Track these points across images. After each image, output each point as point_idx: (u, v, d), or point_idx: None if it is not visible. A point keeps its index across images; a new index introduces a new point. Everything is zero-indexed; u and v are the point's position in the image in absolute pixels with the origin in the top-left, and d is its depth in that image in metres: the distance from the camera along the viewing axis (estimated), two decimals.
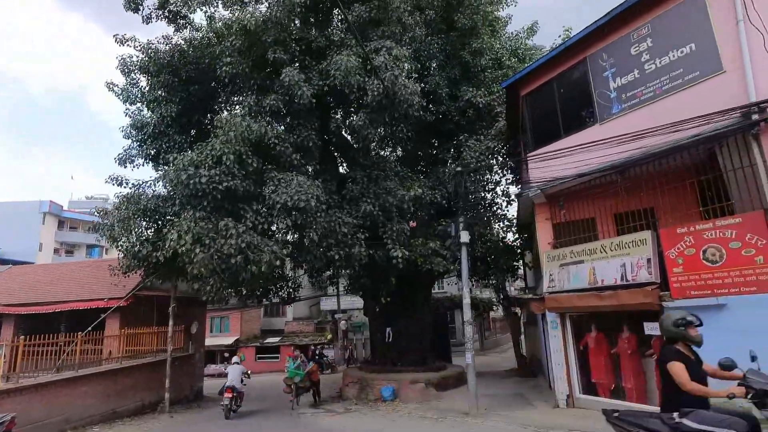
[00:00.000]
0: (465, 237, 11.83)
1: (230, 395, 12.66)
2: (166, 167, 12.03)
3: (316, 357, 26.94)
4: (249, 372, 14.53)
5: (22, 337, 10.54)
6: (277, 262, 9.92)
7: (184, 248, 9.80)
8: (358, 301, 36.09)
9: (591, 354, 10.55)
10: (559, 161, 10.93)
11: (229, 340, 31.91)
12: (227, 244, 10.00)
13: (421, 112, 13.36)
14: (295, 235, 12.22)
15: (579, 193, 11.17)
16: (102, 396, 12.51)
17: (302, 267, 13.27)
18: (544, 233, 12.06)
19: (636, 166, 9.47)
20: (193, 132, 14.95)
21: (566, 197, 11.56)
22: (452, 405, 12.76)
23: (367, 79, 11.69)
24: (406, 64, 12.42)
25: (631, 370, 9.62)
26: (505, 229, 18.04)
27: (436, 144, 17.86)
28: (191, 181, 10.30)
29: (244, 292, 14.04)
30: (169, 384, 14.49)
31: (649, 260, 8.96)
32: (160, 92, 14.40)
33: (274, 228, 12.36)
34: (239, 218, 10.85)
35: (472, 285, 38.34)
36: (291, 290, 19.02)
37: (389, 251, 12.33)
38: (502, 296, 22.65)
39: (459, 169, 12.55)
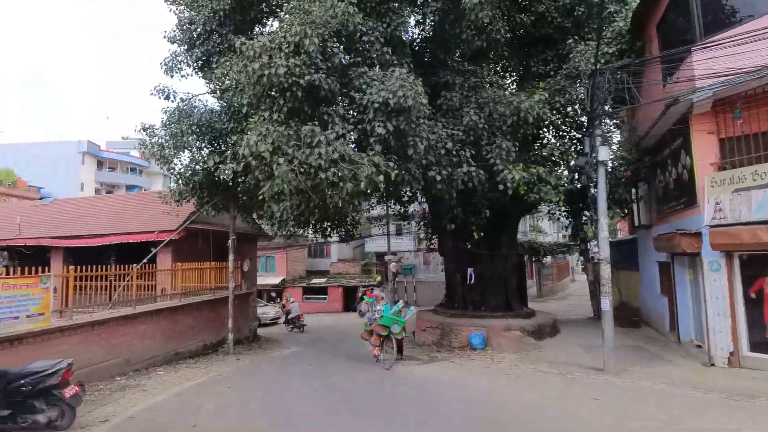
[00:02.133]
0: (604, 154, 9.23)
1: None
2: (222, 69, 9.69)
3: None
4: None
5: (71, 267, 8.84)
6: (380, 178, 7.64)
7: (265, 154, 7.56)
8: (404, 243, 34.46)
9: None
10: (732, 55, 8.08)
11: (275, 280, 30.91)
12: (314, 154, 7.74)
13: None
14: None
15: (762, 97, 8.41)
16: (162, 336, 11.04)
17: (389, 191, 10.89)
18: (704, 151, 9.35)
19: None
20: (253, 31, 12.40)
21: (745, 102, 8.77)
22: (557, 357, 10.85)
23: None
24: None
25: None
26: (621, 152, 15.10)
27: (531, 53, 14.77)
28: (265, 73, 7.91)
29: (314, 222, 12.03)
30: (232, 324, 13.02)
31: None
32: None
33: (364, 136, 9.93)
34: (323, 125, 8.53)
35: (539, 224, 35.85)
36: (350, 227, 17.11)
37: (499, 173, 9.89)
38: (579, 239, 20.22)
39: (594, 68, 9.67)
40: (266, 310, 23.88)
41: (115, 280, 10.76)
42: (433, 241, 19.05)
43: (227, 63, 9.03)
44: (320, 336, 18.75)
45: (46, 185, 44.13)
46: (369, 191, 8.35)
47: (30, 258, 17.29)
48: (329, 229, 15.25)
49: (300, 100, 8.35)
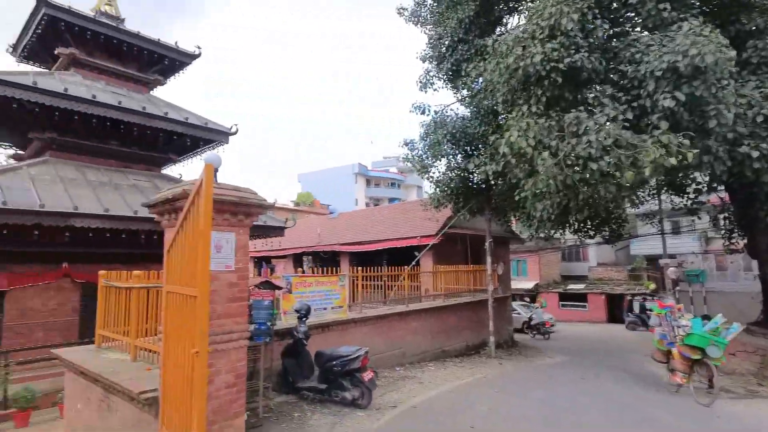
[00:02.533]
0: None
1: None
2: (476, 70, 9.75)
3: (647, 311, 21.76)
4: None
5: (358, 268, 10.38)
6: (671, 160, 6.20)
7: (527, 150, 7.18)
8: (684, 244, 28.28)
9: None
10: None
11: (528, 284, 29.89)
12: (581, 143, 6.89)
13: None
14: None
15: None
16: (430, 333, 11.83)
17: (674, 180, 8.89)
18: None
19: None
20: (498, 31, 12.31)
21: None
22: None
23: None
24: None
25: None
26: None
27: None
28: (520, 65, 7.53)
29: (577, 221, 10.88)
30: (493, 327, 12.98)
31: None
32: None
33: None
34: (589, 110, 7.55)
35: None
36: (617, 225, 14.86)
37: None
38: None
39: None
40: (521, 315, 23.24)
41: (387, 280, 12.19)
42: (734, 240, 14.87)
43: (480, 65, 9.06)
44: (580, 347, 17.03)
45: (332, 202, 54.94)
46: (654, 179, 6.90)
47: (326, 261, 21.61)
48: (592, 229, 13.65)
49: (559, 86, 7.62)
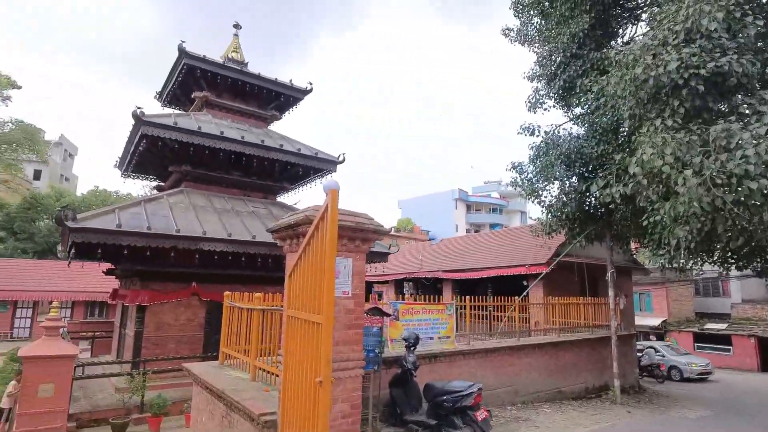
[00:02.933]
0: None
1: None
2: (597, 84, 9.01)
3: None
4: None
5: (467, 297, 9.92)
6: None
7: (664, 168, 6.32)
8: None
9: None
10: None
11: (653, 321, 26.51)
12: (734, 158, 5.87)
13: None
14: None
15: None
16: (545, 371, 10.83)
17: None
18: None
19: None
20: (614, 43, 11.40)
21: None
22: None
23: None
24: None
25: None
26: None
27: None
28: (651, 75, 6.74)
29: (723, 250, 9.31)
30: (617, 369, 11.53)
31: None
32: (563, 9, 11.64)
33: None
34: (741, 120, 6.48)
35: None
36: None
37: None
38: None
39: None
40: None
41: (493, 311, 11.48)
42: None
43: (602, 78, 8.32)
44: (726, 398, 14.43)
45: (431, 228, 54.77)
46: None
47: (427, 288, 21.30)
48: (741, 259, 11.65)
49: (701, 95, 6.65)
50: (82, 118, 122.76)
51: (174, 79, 15.51)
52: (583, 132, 11.88)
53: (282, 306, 5.41)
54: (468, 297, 10.07)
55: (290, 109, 17.46)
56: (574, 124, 12.90)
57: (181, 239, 11.03)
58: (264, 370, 5.48)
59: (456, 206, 58.68)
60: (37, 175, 44.84)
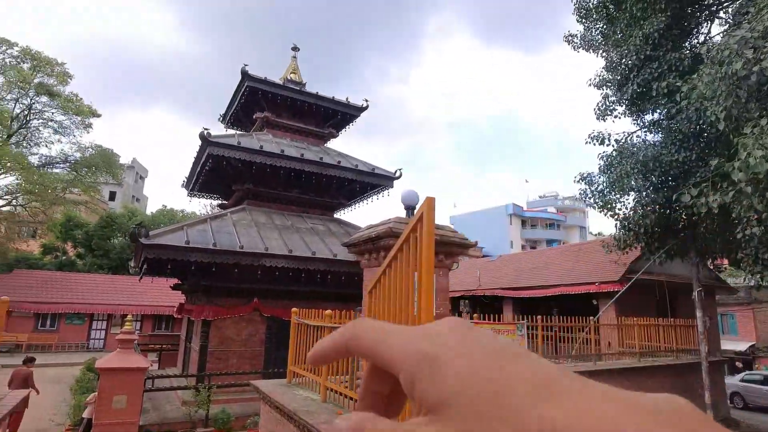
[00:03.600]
0: None
1: None
2: (688, 84, 8.29)
3: None
4: None
5: (538, 317, 9.29)
6: None
7: None
8: None
9: None
10: None
11: (739, 346, 24.01)
12: None
13: None
14: None
15: None
16: None
17: None
18: None
19: None
20: (696, 40, 10.58)
21: None
22: None
23: None
24: None
25: None
26: None
27: None
28: (753, 70, 6.04)
29: None
30: (710, 399, 10.36)
31: None
32: (634, 10, 10.96)
33: None
34: None
35: None
36: None
37: None
38: None
39: None
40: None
41: (558, 331, 10.69)
42: None
43: (692, 78, 7.61)
44: None
45: (485, 244, 53.28)
46: None
47: (485, 306, 20.49)
48: None
49: None
50: (143, 141, 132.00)
51: (237, 101, 16.12)
52: (660, 139, 11.04)
53: None
54: (540, 317, 9.43)
55: (347, 127, 17.64)
56: (646, 131, 12.06)
57: (245, 255, 11.21)
58: (335, 391, 5.25)
59: (510, 222, 56.93)
60: (112, 196, 48.40)
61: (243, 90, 15.42)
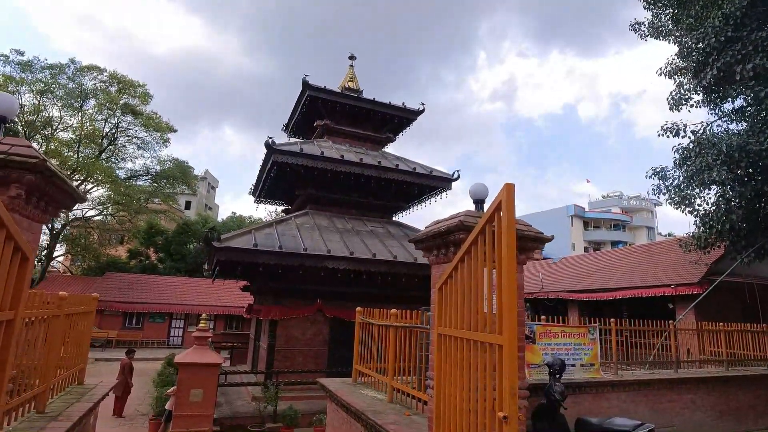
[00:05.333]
0: None
1: None
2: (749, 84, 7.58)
3: None
4: None
5: (612, 320, 8.76)
6: None
7: None
8: None
9: None
10: None
11: None
12: None
13: None
14: None
15: None
16: (712, 412, 9.10)
17: None
18: None
19: None
20: None
21: None
22: None
23: None
24: None
25: None
26: None
27: None
28: None
29: None
30: None
31: None
32: None
33: None
34: None
35: None
36: None
37: None
38: None
39: None
40: None
41: (630, 336, 10.00)
42: None
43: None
44: None
45: (546, 247, 51.31)
46: None
47: (548, 309, 19.68)
48: None
49: None
50: (214, 154, 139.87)
51: (298, 110, 16.72)
52: (745, 127, 10.13)
53: (417, 324, 5.20)
54: (612, 320, 8.91)
55: (403, 131, 17.74)
56: (727, 120, 11.12)
57: (308, 257, 11.57)
58: (402, 392, 5.27)
59: (572, 223, 54.44)
60: (187, 205, 51.94)
61: (304, 99, 15.96)
